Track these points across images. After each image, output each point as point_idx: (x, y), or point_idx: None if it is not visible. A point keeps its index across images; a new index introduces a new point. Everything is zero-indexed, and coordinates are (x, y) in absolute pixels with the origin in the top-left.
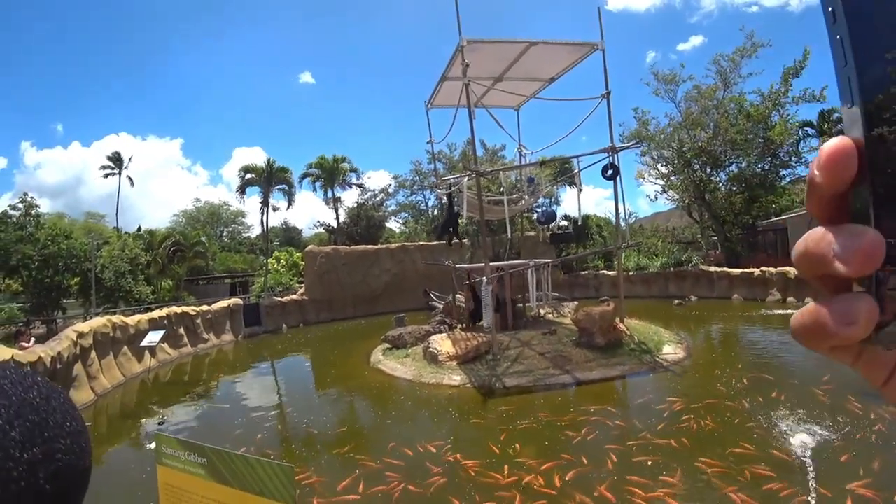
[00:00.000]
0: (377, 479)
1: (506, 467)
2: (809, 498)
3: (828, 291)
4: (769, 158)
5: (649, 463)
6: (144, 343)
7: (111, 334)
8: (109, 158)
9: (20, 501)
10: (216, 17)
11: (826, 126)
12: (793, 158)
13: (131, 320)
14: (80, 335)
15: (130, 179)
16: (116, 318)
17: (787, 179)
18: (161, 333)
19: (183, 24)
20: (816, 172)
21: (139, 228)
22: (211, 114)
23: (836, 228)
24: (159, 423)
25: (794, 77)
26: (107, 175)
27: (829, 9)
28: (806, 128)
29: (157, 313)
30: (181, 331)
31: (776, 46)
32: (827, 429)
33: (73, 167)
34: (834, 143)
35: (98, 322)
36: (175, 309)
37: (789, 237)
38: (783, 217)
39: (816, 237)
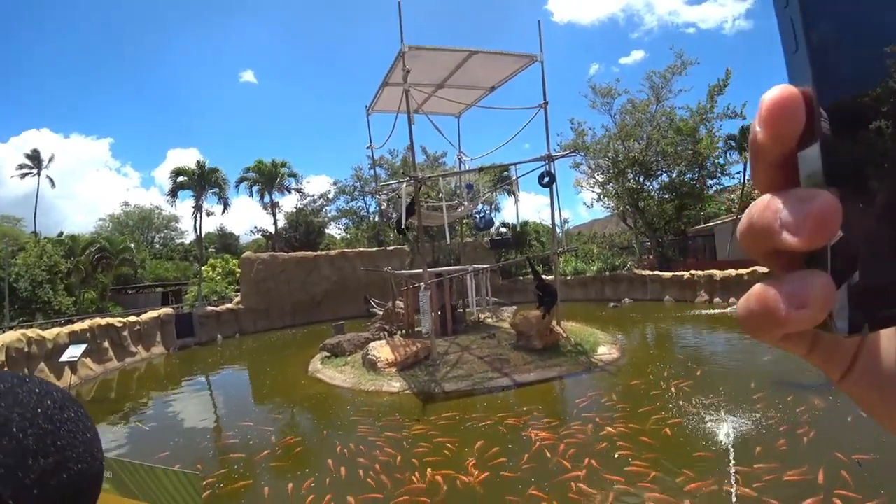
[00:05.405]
0: (320, 494)
1: (430, 473)
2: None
3: (778, 270)
4: (697, 169)
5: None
6: (64, 358)
7: (26, 349)
8: (28, 156)
9: None
10: (154, 9)
11: (746, 142)
12: (718, 169)
13: (49, 334)
14: None
15: (51, 180)
16: (32, 332)
17: (714, 189)
18: (83, 347)
19: (115, 15)
20: (758, 129)
21: (60, 234)
22: (144, 112)
23: (782, 194)
24: None
25: (719, 94)
26: (24, 175)
27: None
28: (731, 140)
29: (78, 326)
30: (106, 344)
31: (709, 65)
32: (735, 417)
33: None
34: (776, 91)
35: (11, 336)
36: (99, 321)
37: (716, 243)
38: (711, 224)
39: (761, 206)
